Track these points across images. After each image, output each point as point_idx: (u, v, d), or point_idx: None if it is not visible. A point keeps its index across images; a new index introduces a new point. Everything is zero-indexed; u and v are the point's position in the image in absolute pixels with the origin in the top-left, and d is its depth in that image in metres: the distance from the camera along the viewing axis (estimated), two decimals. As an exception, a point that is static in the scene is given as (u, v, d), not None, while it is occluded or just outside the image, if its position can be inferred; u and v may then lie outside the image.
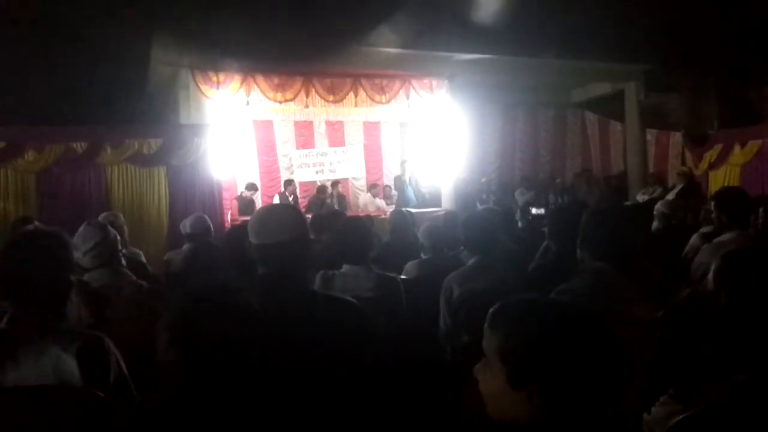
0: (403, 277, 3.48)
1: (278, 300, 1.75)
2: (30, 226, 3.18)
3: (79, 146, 7.21)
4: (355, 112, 9.89)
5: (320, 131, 11.35)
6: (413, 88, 9.53)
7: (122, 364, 1.77)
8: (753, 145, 8.08)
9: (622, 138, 11.57)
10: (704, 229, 3.77)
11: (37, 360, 1.67)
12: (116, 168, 7.40)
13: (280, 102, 8.95)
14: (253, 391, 1.46)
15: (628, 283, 2.04)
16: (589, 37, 7.88)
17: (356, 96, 9.29)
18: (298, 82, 8.93)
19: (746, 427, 1.25)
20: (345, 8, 6.79)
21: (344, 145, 11.21)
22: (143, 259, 4.18)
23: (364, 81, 9.25)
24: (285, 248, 1.76)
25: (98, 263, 2.68)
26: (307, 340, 1.66)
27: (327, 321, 1.73)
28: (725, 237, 3.25)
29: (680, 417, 1.30)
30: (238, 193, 9.66)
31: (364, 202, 10.68)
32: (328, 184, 10.35)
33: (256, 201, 9.66)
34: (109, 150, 7.32)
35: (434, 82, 9.60)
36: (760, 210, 3.76)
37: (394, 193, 10.65)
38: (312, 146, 11.12)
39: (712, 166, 8.81)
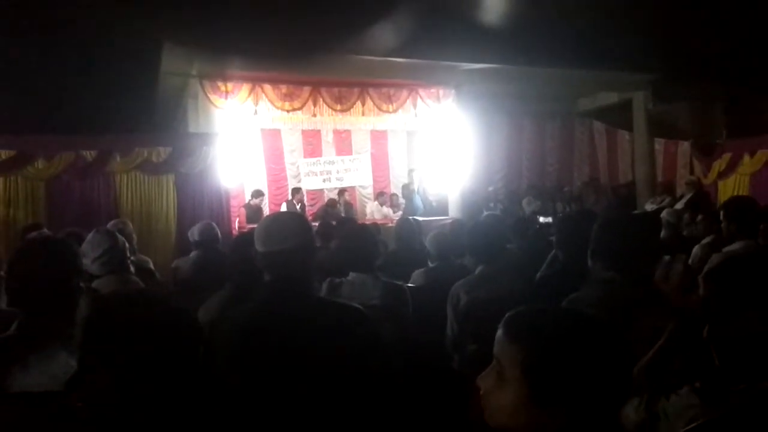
0: (410, 285, 3.48)
1: (284, 307, 1.76)
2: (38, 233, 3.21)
3: (89, 154, 7.27)
4: (362, 120, 9.92)
5: (328, 140, 11.39)
6: (420, 97, 9.57)
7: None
8: (762, 155, 8.05)
9: (630, 147, 11.54)
10: (706, 240, 3.75)
11: (45, 366, 1.67)
12: (125, 176, 7.46)
13: (288, 111, 9.00)
14: (260, 396, 1.46)
15: (638, 293, 2.03)
16: (596, 46, 7.88)
17: (363, 105, 9.33)
18: (305, 91, 8.98)
19: None
20: (352, 17, 6.82)
21: (351, 154, 11.23)
22: (152, 266, 4.20)
23: (371, 90, 9.30)
24: (290, 256, 1.76)
25: (107, 270, 2.70)
26: (313, 347, 1.66)
27: (333, 327, 1.73)
28: (734, 246, 3.23)
29: (699, 420, 1.29)
30: (246, 201, 9.70)
31: (371, 210, 10.69)
32: (336, 194, 10.38)
33: (263, 209, 9.70)
34: (118, 158, 7.38)
35: (441, 91, 9.63)
36: (770, 220, 3.73)
37: (402, 201, 10.65)
38: (319, 155, 11.15)
39: (721, 175, 8.77)
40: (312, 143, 11.30)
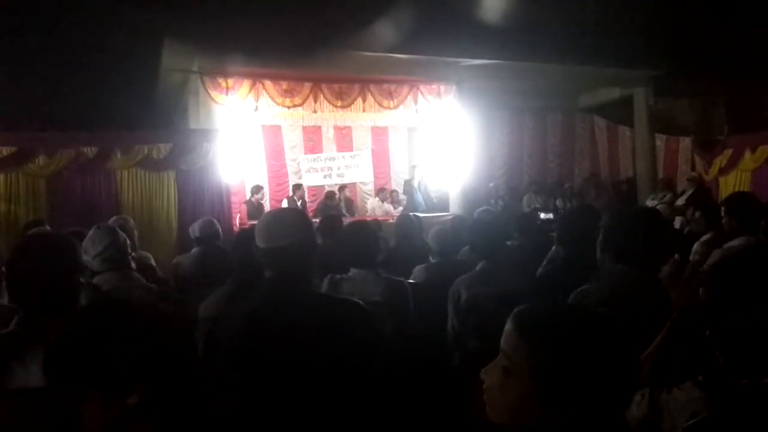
0: (410, 281, 3.47)
1: (285, 303, 1.75)
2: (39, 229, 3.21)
3: (90, 151, 7.28)
4: (363, 117, 9.92)
5: (328, 136, 11.38)
6: (421, 93, 9.55)
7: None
8: (763, 151, 8.03)
9: (631, 143, 11.53)
10: (705, 237, 3.75)
11: (46, 362, 1.68)
12: (126, 172, 7.46)
13: (289, 107, 9.00)
14: (261, 393, 1.46)
15: (647, 286, 2.02)
16: (598, 42, 7.87)
17: (364, 101, 9.32)
18: (306, 88, 8.97)
19: None
20: (353, 13, 6.81)
21: (352, 150, 11.23)
22: (152, 262, 4.19)
23: (372, 86, 9.29)
24: (291, 252, 1.76)
25: (108, 266, 2.70)
26: (314, 343, 1.66)
27: (334, 324, 1.73)
28: (735, 243, 3.23)
29: (701, 415, 1.28)
30: (247, 198, 9.70)
31: (372, 206, 10.69)
32: (336, 189, 10.38)
33: (264, 205, 9.69)
34: (119, 155, 7.38)
35: (442, 87, 9.61)
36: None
37: (403, 197, 10.65)
38: (320, 151, 11.15)
39: (722, 171, 8.76)
40: (313, 139, 11.29)
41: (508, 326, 1.03)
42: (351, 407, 1.67)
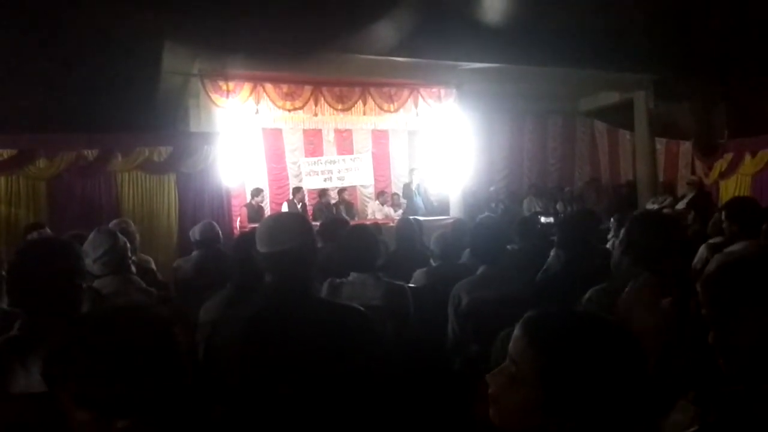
0: (411, 285, 3.47)
1: (285, 308, 1.75)
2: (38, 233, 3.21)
3: (90, 153, 7.28)
4: (363, 120, 9.91)
5: (329, 139, 11.39)
6: (421, 96, 9.56)
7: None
8: (764, 155, 8.04)
9: (632, 147, 11.53)
10: (713, 240, 3.74)
11: (47, 366, 1.67)
12: (127, 175, 7.46)
13: (289, 110, 9.00)
14: (260, 397, 1.46)
15: (662, 288, 2.03)
16: (598, 46, 7.88)
17: (365, 104, 9.33)
18: (307, 91, 8.98)
19: None
20: (354, 16, 6.83)
21: (353, 153, 11.23)
22: (153, 266, 4.19)
23: (372, 89, 9.29)
24: (292, 256, 1.76)
25: (108, 271, 2.70)
26: (314, 348, 1.66)
27: (334, 329, 1.73)
28: (735, 247, 3.22)
29: (694, 427, 1.28)
30: (247, 201, 9.70)
31: (372, 209, 10.68)
32: (338, 195, 10.38)
33: (264, 208, 9.70)
34: (119, 157, 7.38)
35: (442, 91, 9.62)
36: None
37: (403, 201, 10.65)
38: (321, 154, 11.15)
39: (723, 175, 8.76)
40: (313, 142, 11.30)
41: (517, 332, 1.03)
42: (351, 412, 1.66)
